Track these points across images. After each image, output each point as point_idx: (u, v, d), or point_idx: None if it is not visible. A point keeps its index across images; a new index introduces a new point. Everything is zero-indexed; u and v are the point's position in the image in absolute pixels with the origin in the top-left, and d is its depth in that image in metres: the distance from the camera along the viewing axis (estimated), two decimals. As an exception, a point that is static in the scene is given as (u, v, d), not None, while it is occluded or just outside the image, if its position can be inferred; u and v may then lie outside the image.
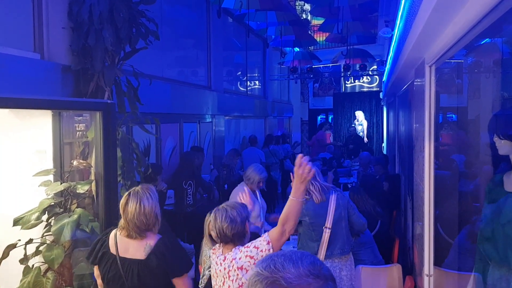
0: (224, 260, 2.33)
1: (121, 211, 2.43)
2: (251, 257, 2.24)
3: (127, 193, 2.45)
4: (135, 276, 2.39)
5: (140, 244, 2.43)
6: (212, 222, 2.39)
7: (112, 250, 2.45)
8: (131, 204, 2.38)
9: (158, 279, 2.42)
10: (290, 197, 2.25)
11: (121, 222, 2.45)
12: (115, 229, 2.52)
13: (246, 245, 2.33)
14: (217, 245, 2.47)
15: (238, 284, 2.27)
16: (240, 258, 2.27)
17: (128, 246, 2.44)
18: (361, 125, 13.96)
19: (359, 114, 14.14)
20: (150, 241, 2.43)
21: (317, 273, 0.94)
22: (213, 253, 2.49)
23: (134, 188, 2.48)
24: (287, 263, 0.94)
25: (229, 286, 2.29)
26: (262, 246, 2.25)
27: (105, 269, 2.45)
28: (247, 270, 2.24)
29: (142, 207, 2.37)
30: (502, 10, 1.48)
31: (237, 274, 2.27)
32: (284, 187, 9.62)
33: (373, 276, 3.69)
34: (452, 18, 1.96)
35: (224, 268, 2.31)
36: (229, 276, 2.29)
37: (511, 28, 2.14)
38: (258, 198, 4.41)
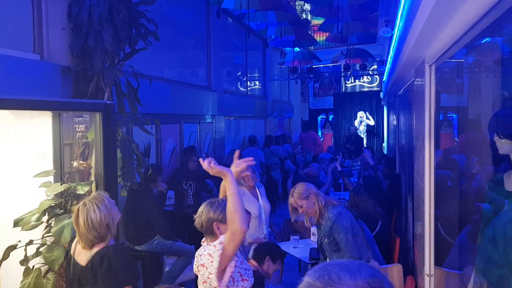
0: (201, 255, 2.38)
1: (73, 224, 2.36)
2: (210, 255, 2.22)
3: (77, 206, 2.37)
4: (76, 281, 2.38)
5: (87, 252, 2.38)
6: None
7: (72, 250, 2.49)
8: (81, 217, 2.30)
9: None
10: (227, 193, 2.21)
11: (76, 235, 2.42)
12: None
13: (211, 244, 2.29)
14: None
15: (203, 279, 2.28)
16: (202, 255, 2.33)
17: (80, 251, 2.41)
18: (366, 125, 14.03)
19: (362, 114, 14.19)
20: (95, 249, 2.35)
21: (377, 287, 0.85)
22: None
23: (84, 200, 2.38)
24: (344, 274, 0.85)
25: (203, 282, 2.32)
26: (217, 245, 2.21)
27: (67, 273, 2.50)
28: (207, 268, 2.23)
29: (90, 220, 2.28)
30: (502, 9, 1.47)
31: (199, 271, 2.32)
32: (284, 187, 9.62)
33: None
34: (452, 17, 1.95)
35: (196, 262, 2.41)
36: (199, 270, 2.34)
37: (511, 27, 2.13)
38: (260, 197, 4.40)
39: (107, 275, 2.28)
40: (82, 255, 2.41)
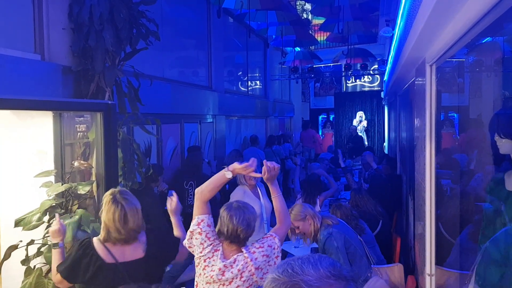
0: (234, 263, 2.31)
1: (110, 220, 2.31)
2: (267, 256, 2.28)
3: (112, 201, 2.34)
4: (143, 276, 2.37)
5: (132, 246, 2.40)
6: (226, 219, 2.36)
7: (108, 260, 2.34)
8: (129, 211, 2.32)
9: (159, 266, 2.49)
10: (274, 196, 2.44)
11: (106, 232, 2.35)
12: (90, 241, 2.39)
13: (257, 246, 2.34)
14: (204, 250, 2.39)
15: (249, 283, 2.28)
16: (256, 259, 2.29)
17: (123, 251, 2.38)
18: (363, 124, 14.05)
19: (361, 114, 14.21)
20: (141, 238, 2.45)
21: (338, 274, 0.92)
22: (200, 256, 2.40)
23: (115, 194, 2.38)
24: (306, 266, 0.92)
25: (238, 286, 2.29)
26: (273, 243, 2.33)
27: (105, 282, 2.33)
28: (262, 269, 2.27)
29: (128, 211, 2.33)
30: (503, 9, 1.47)
31: (252, 274, 2.28)
32: (285, 187, 9.62)
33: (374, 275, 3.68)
34: (452, 17, 1.95)
35: (238, 270, 2.29)
36: (242, 277, 2.28)
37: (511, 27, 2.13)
38: (261, 197, 4.40)
39: (166, 254, 2.52)
40: (129, 252, 2.37)
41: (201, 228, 2.40)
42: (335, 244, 3.12)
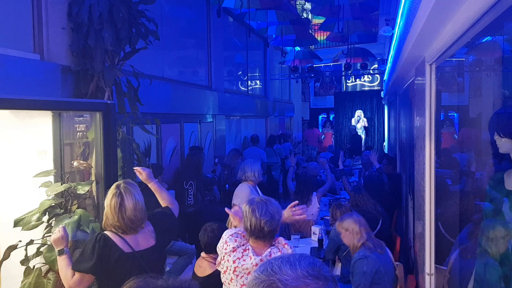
0: (270, 256, 2.22)
1: (114, 209, 2.39)
2: None
3: (116, 191, 2.43)
4: (155, 262, 2.49)
5: (144, 234, 2.51)
6: (249, 214, 2.28)
7: (126, 249, 2.41)
8: (128, 201, 2.40)
9: (165, 254, 2.66)
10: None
11: (111, 222, 2.41)
12: (104, 234, 2.44)
13: (283, 242, 2.31)
14: (234, 244, 2.33)
15: None
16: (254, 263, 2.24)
17: (136, 240, 2.48)
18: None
19: (360, 113, 14.22)
20: (148, 227, 2.54)
21: (316, 274, 0.92)
22: (232, 250, 2.31)
23: (120, 184, 2.47)
24: (284, 265, 0.93)
25: None
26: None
27: (125, 271, 2.37)
28: None
29: (137, 203, 2.44)
30: (502, 8, 1.47)
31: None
32: (285, 187, 9.61)
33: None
34: (452, 16, 1.95)
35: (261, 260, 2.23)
36: None
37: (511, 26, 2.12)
38: (260, 194, 4.41)
39: (170, 232, 2.72)
40: (142, 241, 2.48)
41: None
42: (364, 269, 3.14)
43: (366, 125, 14.19)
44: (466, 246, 2.59)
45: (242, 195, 4.38)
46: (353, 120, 14.28)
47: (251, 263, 2.24)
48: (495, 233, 2.13)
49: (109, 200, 2.42)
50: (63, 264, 2.43)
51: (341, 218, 3.46)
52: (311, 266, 0.93)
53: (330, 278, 0.94)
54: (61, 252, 2.45)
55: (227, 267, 2.31)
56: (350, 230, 3.33)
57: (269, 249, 2.27)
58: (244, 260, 2.26)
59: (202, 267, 3.09)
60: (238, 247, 2.31)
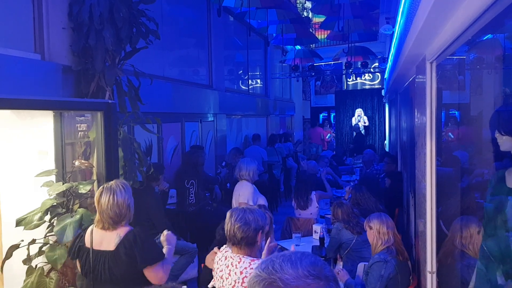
0: (239, 262, 2.28)
1: (95, 203, 2.57)
2: None
3: (101, 187, 2.61)
4: (106, 268, 2.50)
5: (112, 237, 2.54)
6: (227, 219, 2.36)
7: (87, 244, 2.59)
8: (105, 196, 2.52)
9: (127, 270, 2.50)
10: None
11: (96, 215, 2.59)
12: (92, 225, 2.65)
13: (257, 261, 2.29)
14: (224, 246, 2.48)
15: None
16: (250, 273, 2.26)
17: (102, 239, 2.56)
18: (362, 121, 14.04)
19: (360, 112, 14.22)
20: (120, 233, 2.54)
21: (317, 274, 0.91)
22: (219, 251, 2.48)
23: (108, 182, 2.62)
24: (285, 264, 0.92)
25: None
26: None
27: (82, 262, 2.60)
28: None
29: (115, 199, 2.51)
30: (502, 6, 1.47)
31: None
32: (286, 186, 9.62)
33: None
34: (452, 14, 1.95)
35: (241, 272, 2.25)
36: (243, 282, 2.23)
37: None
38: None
39: (140, 255, 2.49)
40: (106, 243, 2.53)
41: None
42: (382, 272, 3.16)
43: (367, 123, 14.17)
44: (444, 245, 2.60)
45: (246, 193, 4.38)
46: (353, 119, 14.26)
47: (234, 264, 2.31)
48: (496, 230, 2.13)
49: (96, 193, 2.62)
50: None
51: (369, 217, 3.48)
52: (312, 266, 0.92)
53: (332, 278, 0.93)
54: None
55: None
56: (374, 230, 3.34)
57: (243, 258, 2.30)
58: (221, 260, 2.39)
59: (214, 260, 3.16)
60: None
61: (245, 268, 2.24)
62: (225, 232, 2.35)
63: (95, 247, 2.56)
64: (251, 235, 2.28)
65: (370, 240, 3.41)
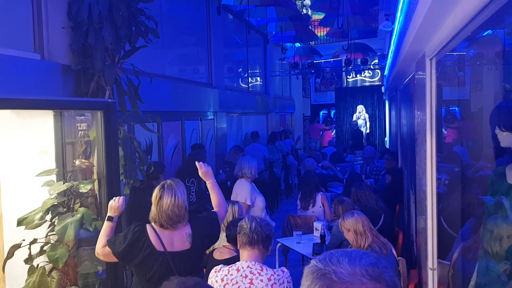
0: (261, 270, 2.32)
1: (154, 203, 2.51)
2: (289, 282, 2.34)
3: (161, 186, 2.54)
4: (186, 267, 2.48)
5: (181, 236, 2.52)
6: (244, 226, 2.45)
7: (158, 247, 2.47)
8: (166, 196, 2.48)
9: (201, 261, 2.66)
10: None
11: (152, 215, 2.51)
12: (143, 227, 2.52)
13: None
14: (220, 266, 2.46)
15: None
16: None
17: (172, 240, 2.50)
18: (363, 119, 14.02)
19: (361, 109, 14.21)
20: (187, 230, 2.54)
21: (375, 276, 0.85)
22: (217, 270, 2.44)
23: (166, 181, 2.58)
24: (343, 259, 0.88)
25: None
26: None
27: (153, 268, 2.45)
28: None
29: (176, 200, 2.48)
30: (501, 1, 1.46)
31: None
32: (287, 183, 9.63)
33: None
34: (451, 10, 1.94)
35: (268, 279, 2.27)
36: None
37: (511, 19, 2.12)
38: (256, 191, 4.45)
39: (210, 239, 2.66)
40: (178, 243, 2.50)
41: None
42: None
43: (368, 120, 14.14)
44: (469, 241, 2.59)
45: (243, 192, 4.38)
46: (354, 115, 14.24)
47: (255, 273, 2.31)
48: (497, 228, 2.13)
49: (153, 194, 2.53)
50: (105, 229, 2.59)
51: (343, 217, 3.42)
52: (371, 266, 0.87)
53: (391, 284, 0.86)
54: (110, 219, 2.60)
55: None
56: (352, 231, 3.29)
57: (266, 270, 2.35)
58: (232, 275, 2.36)
59: (222, 252, 3.16)
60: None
61: (272, 275, 2.29)
62: (245, 235, 2.41)
63: (169, 249, 2.48)
64: (271, 236, 2.43)
65: (350, 241, 3.34)
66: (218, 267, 2.44)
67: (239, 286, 2.27)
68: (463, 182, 3.16)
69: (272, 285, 2.24)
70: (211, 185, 2.89)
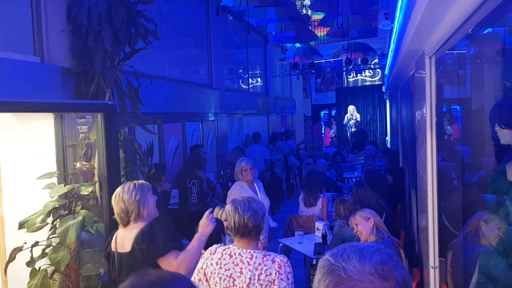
0: (251, 259, 2.22)
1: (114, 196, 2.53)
2: (279, 273, 2.19)
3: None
4: (129, 268, 2.42)
5: (130, 237, 2.45)
6: (232, 212, 2.28)
7: (113, 247, 2.53)
8: (116, 193, 2.50)
9: (146, 267, 2.39)
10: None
11: None
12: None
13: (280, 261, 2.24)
14: (215, 246, 2.39)
15: None
16: (252, 267, 2.20)
17: (123, 240, 2.48)
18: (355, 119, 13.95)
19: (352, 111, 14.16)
20: (134, 231, 2.45)
21: (384, 274, 0.84)
22: (211, 253, 2.36)
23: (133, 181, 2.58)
24: (354, 256, 0.87)
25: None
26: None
27: (112, 267, 2.53)
28: (276, 285, 2.15)
29: (121, 195, 2.46)
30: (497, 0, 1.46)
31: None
32: (288, 184, 9.62)
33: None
34: (449, 8, 1.94)
35: (256, 268, 2.19)
36: (259, 279, 2.18)
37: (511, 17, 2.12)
38: (258, 193, 4.40)
39: (154, 247, 2.40)
40: (127, 243, 2.46)
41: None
42: None
43: (359, 120, 13.92)
44: (466, 239, 2.59)
45: (232, 195, 4.34)
46: (346, 117, 14.10)
47: (244, 261, 2.24)
48: (498, 224, 2.13)
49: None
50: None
51: (355, 213, 3.49)
52: (381, 264, 0.85)
53: (401, 283, 0.85)
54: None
55: (211, 272, 2.32)
56: (373, 219, 3.38)
57: (254, 252, 2.25)
58: (225, 259, 2.28)
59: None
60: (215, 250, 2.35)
61: (259, 264, 2.21)
62: (232, 225, 2.28)
63: (119, 250, 2.49)
64: (260, 223, 2.28)
65: (366, 232, 3.36)
66: (213, 249, 2.37)
67: (231, 274, 2.25)
68: (465, 180, 3.16)
69: (258, 275, 2.20)
70: (198, 237, 2.57)
